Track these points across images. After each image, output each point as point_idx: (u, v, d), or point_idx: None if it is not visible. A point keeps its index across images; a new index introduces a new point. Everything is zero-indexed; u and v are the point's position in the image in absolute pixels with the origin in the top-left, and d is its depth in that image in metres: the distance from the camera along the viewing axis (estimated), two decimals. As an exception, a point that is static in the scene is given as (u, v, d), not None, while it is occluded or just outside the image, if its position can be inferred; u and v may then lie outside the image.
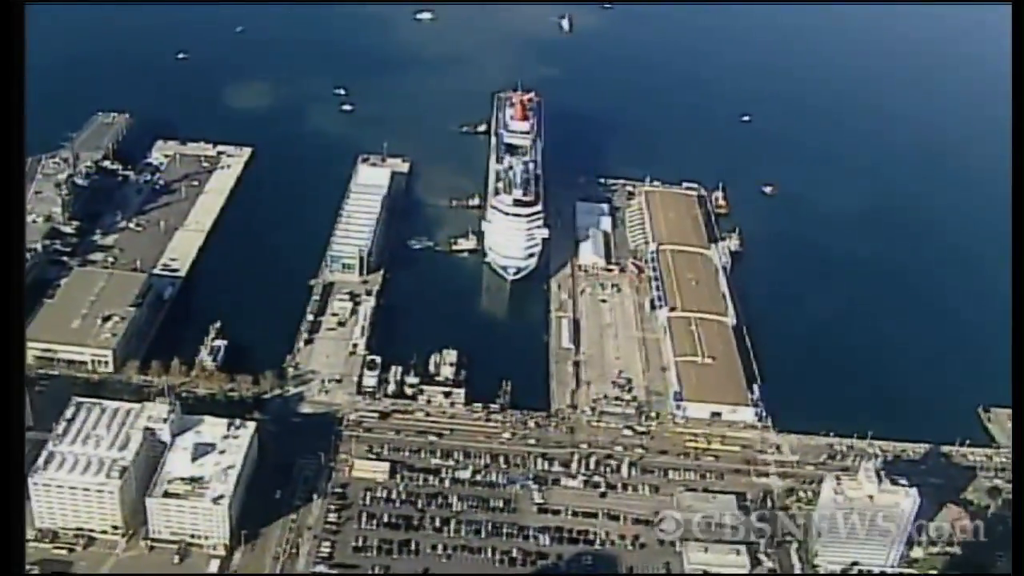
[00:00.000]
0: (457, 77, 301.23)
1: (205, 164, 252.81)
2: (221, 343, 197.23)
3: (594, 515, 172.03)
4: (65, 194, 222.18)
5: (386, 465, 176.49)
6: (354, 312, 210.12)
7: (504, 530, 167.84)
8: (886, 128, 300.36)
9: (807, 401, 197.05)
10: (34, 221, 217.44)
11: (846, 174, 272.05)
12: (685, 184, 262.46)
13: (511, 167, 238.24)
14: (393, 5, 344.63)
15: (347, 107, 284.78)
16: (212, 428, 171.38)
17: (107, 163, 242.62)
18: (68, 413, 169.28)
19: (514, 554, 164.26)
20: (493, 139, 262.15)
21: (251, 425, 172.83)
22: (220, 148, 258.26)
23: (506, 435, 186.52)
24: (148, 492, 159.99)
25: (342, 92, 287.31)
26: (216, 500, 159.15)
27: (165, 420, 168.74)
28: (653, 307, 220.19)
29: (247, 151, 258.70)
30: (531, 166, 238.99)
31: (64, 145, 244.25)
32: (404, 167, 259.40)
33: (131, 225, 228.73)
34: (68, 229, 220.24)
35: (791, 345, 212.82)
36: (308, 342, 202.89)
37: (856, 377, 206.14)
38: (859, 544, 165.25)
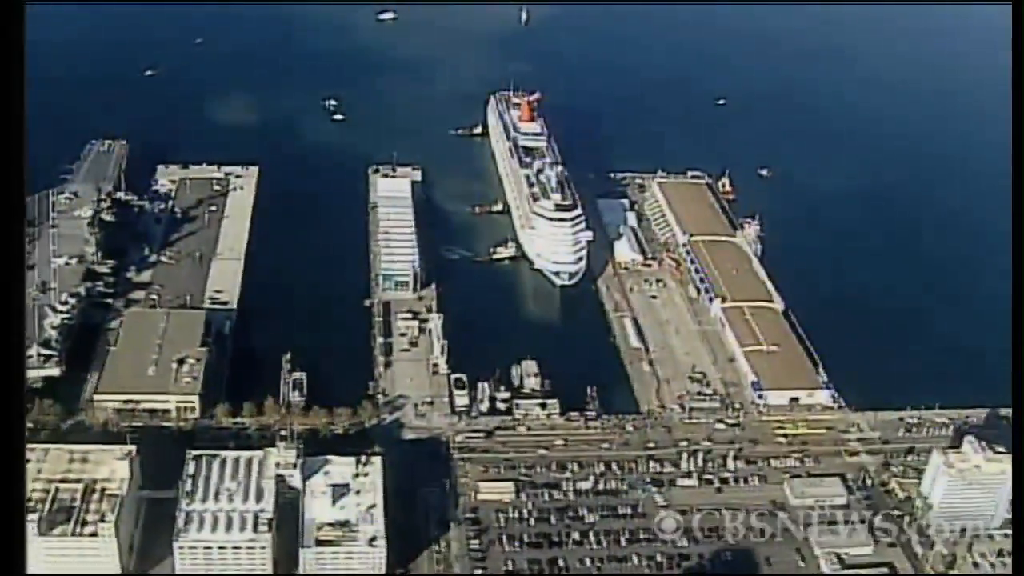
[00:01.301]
0: (436, 78, 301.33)
1: (217, 187, 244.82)
2: (301, 375, 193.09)
3: (717, 511, 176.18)
4: (96, 232, 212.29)
5: (511, 485, 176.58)
6: (422, 331, 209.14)
7: (641, 536, 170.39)
8: (861, 105, 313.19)
9: (864, 377, 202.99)
10: (67, 263, 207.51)
11: (833, 151, 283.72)
12: (691, 173, 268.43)
13: (540, 171, 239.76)
14: (347, 6, 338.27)
15: (338, 116, 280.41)
16: (340, 467, 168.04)
17: (120, 195, 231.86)
18: (189, 468, 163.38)
19: (659, 558, 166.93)
20: (506, 142, 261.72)
21: (377, 460, 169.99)
22: (226, 169, 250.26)
23: (617, 441, 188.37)
24: (300, 542, 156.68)
25: (333, 103, 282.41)
26: (371, 542, 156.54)
27: (295, 465, 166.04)
28: (701, 294, 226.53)
29: (254, 170, 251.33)
30: (559, 168, 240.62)
31: (67, 179, 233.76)
32: (417, 175, 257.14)
33: (162, 258, 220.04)
34: (104, 269, 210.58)
35: (834, 323, 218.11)
36: (387, 366, 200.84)
37: (901, 349, 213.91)
38: (970, 511, 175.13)
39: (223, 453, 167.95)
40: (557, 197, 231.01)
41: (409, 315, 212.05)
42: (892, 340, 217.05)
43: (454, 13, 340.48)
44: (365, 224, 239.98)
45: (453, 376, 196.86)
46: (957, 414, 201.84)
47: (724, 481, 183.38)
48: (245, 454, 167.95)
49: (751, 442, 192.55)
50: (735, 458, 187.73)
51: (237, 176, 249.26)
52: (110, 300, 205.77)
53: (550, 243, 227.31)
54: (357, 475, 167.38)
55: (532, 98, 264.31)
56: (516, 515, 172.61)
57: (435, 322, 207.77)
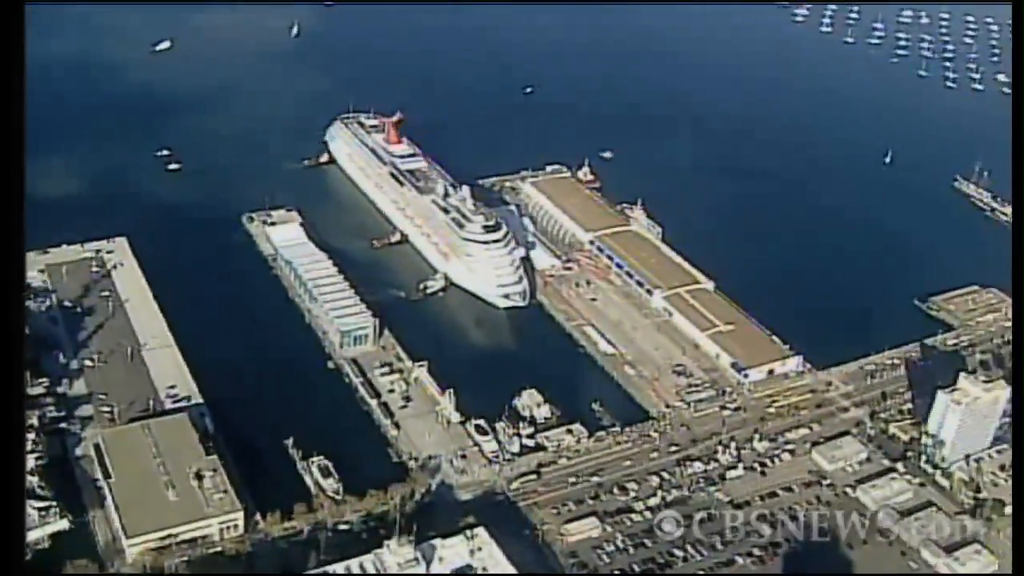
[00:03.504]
0: (245, 108, 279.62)
1: (96, 268, 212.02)
2: (318, 459, 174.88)
3: (775, 494, 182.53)
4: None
5: (594, 519, 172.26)
6: (406, 383, 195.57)
7: (728, 536, 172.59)
8: (669, 82, 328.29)
9: (811, 337, 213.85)
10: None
11: (662, 129, 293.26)
12: (550, 167, 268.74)
13: (447, 195, 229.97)
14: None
15: (174, 166, 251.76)
16: (452, 549, 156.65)
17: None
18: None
19: (756, 552, 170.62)
20: (381, 168, 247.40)
21: (481, 529, 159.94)
22: (91, 246, 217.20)
23: (652, 450, 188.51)
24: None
25: (166, 152, 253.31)
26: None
27: (416, 560, 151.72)
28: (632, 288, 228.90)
29: (122, 242, 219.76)
30: (465, 188, 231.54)
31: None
32: (295, 217, 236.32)
33: (86, 363, 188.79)
34: (39, 390, 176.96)
35: (759, 292, 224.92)
36: (396, 427, 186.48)
37: (830, 302, 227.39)
38: (973, 438, 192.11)
39: (329, 569, 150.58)
40: (481, 219, 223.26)
41: (387, 370, 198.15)
42: (819, 296, 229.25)
43: (223, 32, 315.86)
44: (274, 278, 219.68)
45: (473, 423, 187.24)
46: (900, 352, 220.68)
47: (763, 464, 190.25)
48: (353, 563, 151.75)
49: (761, 421, 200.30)
50: (759, 440, 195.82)
51: (108, 252, 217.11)
52: (64, 425, 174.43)
53: (489, 268, 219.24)
54: (473, 551, 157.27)
55: (395, 119, 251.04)
56: (613, 548, 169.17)
57: (421, 372, 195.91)
